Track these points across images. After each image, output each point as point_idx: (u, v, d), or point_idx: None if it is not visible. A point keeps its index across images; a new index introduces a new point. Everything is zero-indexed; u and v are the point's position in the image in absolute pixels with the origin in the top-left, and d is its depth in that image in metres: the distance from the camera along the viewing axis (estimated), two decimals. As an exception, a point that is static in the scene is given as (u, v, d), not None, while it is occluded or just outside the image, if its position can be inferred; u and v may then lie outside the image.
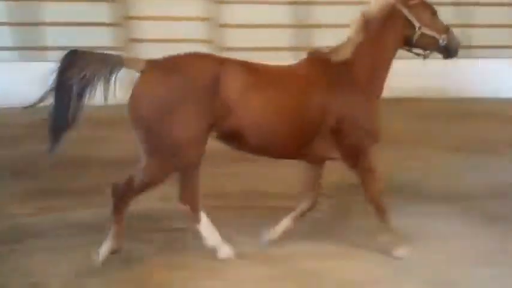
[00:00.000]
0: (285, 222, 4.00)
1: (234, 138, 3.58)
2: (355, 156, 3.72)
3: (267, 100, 3.50)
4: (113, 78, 3.41)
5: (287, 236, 4.03)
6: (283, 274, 3.57)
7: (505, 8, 14.02)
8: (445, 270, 3.64)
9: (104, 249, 3.53)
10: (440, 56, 3.96)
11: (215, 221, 3.86)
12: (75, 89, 3.30)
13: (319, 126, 3.60)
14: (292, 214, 4.02)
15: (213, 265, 3.70)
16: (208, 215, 3.85)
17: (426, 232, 4.22)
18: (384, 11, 3.74)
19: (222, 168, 6.43)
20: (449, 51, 3.90)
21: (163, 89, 3.37)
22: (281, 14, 14.84)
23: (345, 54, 3.72)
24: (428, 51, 3.94)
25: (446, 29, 3.87)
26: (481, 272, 3.62)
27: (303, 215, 4.03)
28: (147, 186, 3.50)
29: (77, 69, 3.30)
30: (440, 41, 3.82)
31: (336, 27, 14.66)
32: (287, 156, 3.88)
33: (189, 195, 3.80)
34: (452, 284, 3.48)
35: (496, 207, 4.94)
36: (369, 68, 3.75)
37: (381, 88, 3.87)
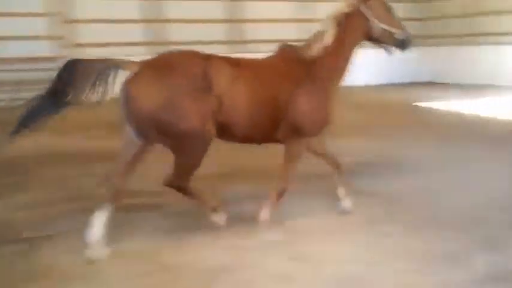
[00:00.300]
0: (340, 191, 4.46)
1: (224, 130, 3.80)
2: (296, 137, 4.08)
3: (251, 93, 3.80)
4: (113, 81, 3.56)
5: (147, 231, 4.07)
6: (149, 270, 3.52)
7: None
8: (307, 245, 3.87)
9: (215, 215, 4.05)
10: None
11: (83, 224, 3.72)
12: (68, 97, 3.47)
13: (286, 114, 3.96)
14: (337, 182, 4.48)
15: (75, 269, 3.53)
16: (75, 217, 3.66)
17: (289, 212, 4.46)
18: (346, 10, 4.09)
19: (80, 169, 6.22)
20: (404, 44, 4.26)
21: (160, 85, 3.54)
22: (133, 9, 14.50)
23: (315, 51, 4.05)
24: (390, 47, 4.31)
25: (400, 25, 4.24)
26: (337, 242, 3.93)
27: (340, 178, 4.48)
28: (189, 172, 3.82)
29: (78, 77, 3.47)
30: (396, 36, 4.19)
31: (188, 22, 15.05)
32: (263, 142, 4.18)
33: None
34: (313, 256, 3.68)
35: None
36: (332, 63, 4.12)
37: (340, 80, 4.24)
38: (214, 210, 4.09)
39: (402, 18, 4.49)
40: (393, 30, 4.18)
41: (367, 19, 4.12)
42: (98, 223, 3.63)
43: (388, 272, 3.45)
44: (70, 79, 3.45)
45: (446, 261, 3.57)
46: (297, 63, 4.05)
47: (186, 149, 3.67)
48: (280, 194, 4.20)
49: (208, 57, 3.78)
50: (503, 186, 5.24)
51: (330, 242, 3.94)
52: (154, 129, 3.57)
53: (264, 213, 4.16)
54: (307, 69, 4.03)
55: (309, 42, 4.13)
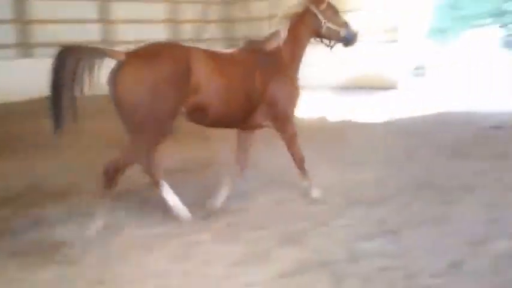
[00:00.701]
0: (225, 189, 4.76)
1: (198, 112, 4.20)
2: (283, 122, 4.72)
3: (226, 80, 4.26)
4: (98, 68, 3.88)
5: None
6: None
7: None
8: (110, 267, 3.62)
9: (98, 223, 4.01)
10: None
11: None
12: (69, 84, 3.79)
13: (260, 100, 4.51)
14: (232, 176, 4.83)
15: None
16: None
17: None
18: (300, 10, 4.79)
19: None
20: (347, 41, 4.94)
21: (147, 73, 3.89)
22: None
23: (274, 44, 4.70)
24: (333, 42, 4.96)
25: (345, 24, 4.90)
26: (143, 259, 3.75)
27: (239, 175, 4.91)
28: (131, 161, 4.08)
29: (71, 65, 3.78)
30: (341, 33, 4.84)
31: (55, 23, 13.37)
32: (236, 126, 4.70)
33: (151, 167, 4.41)
34: (119, 278, 3.46)
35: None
36: (291, 54, 4.78)
37: (298, 69, 4.90)
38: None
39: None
40: (338, 29, 4.83)
41: (317, 19, 4.79)
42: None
43: (199, 280, 3.42)
44: (63, 66, 3.76)
45: (255, 261, 3.65)
46: (262, 54, 4.65)
47: (150, 128, 3.96)
48: (302, 165, 4.84)
49: (189, 49, 4.22)
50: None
51: (136, 260, 3.72)
52: (135, 112, 3.88)
53: (309, 185, 4.89)
54: (272, 60, 4.65)
55: (268, 37, 4.75)
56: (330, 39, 4.94)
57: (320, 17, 4.78)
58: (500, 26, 20.96)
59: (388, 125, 8.84)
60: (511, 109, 8.51)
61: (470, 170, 5.73)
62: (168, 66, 3.96)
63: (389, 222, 4.30)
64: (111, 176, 3.95)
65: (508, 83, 13.12)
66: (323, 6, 4.80)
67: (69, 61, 3.76)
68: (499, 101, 10.89)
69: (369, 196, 4.97)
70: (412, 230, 4.12)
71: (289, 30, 4.72)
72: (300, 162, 4.83)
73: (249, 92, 4.43)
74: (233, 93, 4.31)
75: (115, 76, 3.87)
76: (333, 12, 4.89)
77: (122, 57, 3.90)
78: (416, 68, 15.30)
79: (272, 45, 4.69)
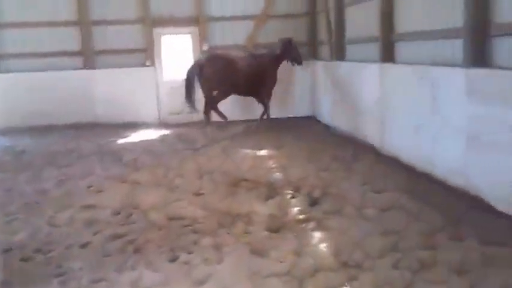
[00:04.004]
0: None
1: (234, 87, 10.67)
2: (268, 96, 11.06)
3: (247, 71, 10.61)
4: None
5: None
6: None
7: None
8: None
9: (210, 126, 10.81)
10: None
11: None
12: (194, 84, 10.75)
13: (261, 81, 10.85)
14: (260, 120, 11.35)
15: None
16: None
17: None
18: (284, 44, 11.00)
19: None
20: (299, 62, 11.13)
21: (218, 65, 10.54)
22: None
23: (271, 56, 11.03)
24: (294, 62, 11.11)
25: (300, 52, 11.22)
26: None
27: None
28: (216, 102, 10.82)
29: (194, 74, 10.69)
30: (298, 59, 11.08)
31: None
32: (251, 96, 11.23)
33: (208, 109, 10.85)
34: None
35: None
36: (276, 63, 11.05)
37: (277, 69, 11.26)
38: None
39: None
40: (298, 57, 10.94)
41: (291, 50, 10.82)
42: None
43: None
44: (192, 76, 10.62)
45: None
46: (262, 59, 10.75)
47: (223, 92, 10.61)
48: (267, 110, 11.03)
49: (231, 54, 10.81)
50: None
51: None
52: (212, 83, 10.35)
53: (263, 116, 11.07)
54: (265, 62, 10.66)
55: (269, 51, 10.97)
56: (294, 60, 10.90)
57: (293, 49, 10.75)
58: None
59: None
60: None
61: None
62: (223, 62, 10.22)
63: None
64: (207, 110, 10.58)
65: None
66: (293, 44, 10.83)
67: (195, 72, 10.38)
68: None
69: None
70: None
71: (279, 50, 10.72)
72: (267, 107, 10.89)
73: (259, 77, 10.31)
74: (252, 78, 10.22)
75: (202, 66, 10.25)
76: (296, 47, 10.94)
77: (203, 59, 10.45)
78: None
79: (270, 56, 10.71)
